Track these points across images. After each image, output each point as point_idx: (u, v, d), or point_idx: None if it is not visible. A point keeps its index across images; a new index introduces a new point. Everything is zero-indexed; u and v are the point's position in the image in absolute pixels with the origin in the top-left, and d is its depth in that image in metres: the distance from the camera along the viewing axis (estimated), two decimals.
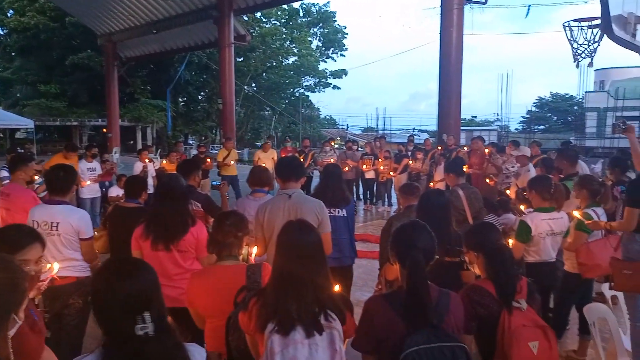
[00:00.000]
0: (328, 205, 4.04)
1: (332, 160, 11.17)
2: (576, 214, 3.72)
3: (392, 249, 1.97)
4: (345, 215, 4.09)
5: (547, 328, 2.04)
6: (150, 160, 9.35)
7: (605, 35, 4.94)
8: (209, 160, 10.40)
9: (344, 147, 12.77)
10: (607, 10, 4.69)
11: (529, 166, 6.94)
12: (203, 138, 41.31)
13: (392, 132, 40.25)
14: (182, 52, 26.98)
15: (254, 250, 2.68)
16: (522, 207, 4.50)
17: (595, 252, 3.56)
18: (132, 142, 35.58)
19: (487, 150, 8.70)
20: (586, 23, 5.50)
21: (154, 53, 25.26)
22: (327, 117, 57.48)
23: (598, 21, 5.07)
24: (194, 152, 23.89)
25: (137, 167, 8.77)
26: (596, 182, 4.03)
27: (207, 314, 2.25)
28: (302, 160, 10.87)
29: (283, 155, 11.35)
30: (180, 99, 39.13)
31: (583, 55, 5.41)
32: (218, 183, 4.61)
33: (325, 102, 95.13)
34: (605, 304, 3.56)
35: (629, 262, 3.05)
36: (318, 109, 51.24)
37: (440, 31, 13.76)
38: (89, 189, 8.17)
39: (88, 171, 8.18)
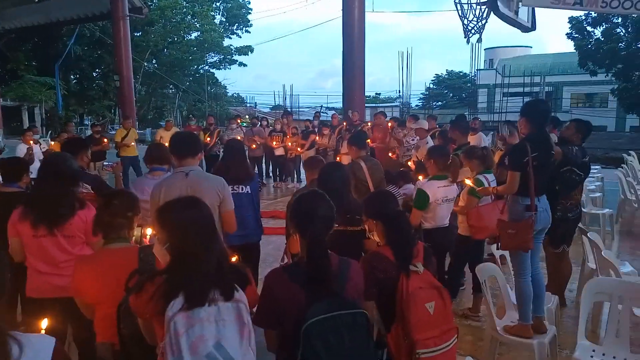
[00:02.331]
0: (231, 182, 3.93)
1: (239, 137, 10.96)
2: (468, 181, 3.95)
3: (291, 219, 1.94)
4: (250, 191, 3.99)
5: (442, 289, 2.14)
6: (36, 142, 8.55)
7: (492, 12, 5.26)
8: (105, 140, 9.71)
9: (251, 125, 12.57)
10: None
11: (427, 138, 7.28)
12: (100, 118, 38.58)
13: (300, 109, 40.37)
14: (71, 24, 24.88)
15: (149, 231, 2.52)
16: (420, 178, 4.71)
17: (484, 215, 3.82)
18: (17, 123, 32.30)
19: (389, 125, 9.00)
20: (475, 0, 5.79)
21: (37, 25, 22.95)
22: (234, 94, 56.25)
23: None
24: (90, 132, 22.25)
25: (21, 150, 7.96)
26: (479, 149, 4.33)
27: (96, 301, 2.08)
28: (207, 138, 10.55)
29: None
30: (72, 76, 36.09)
31: (473, 31, 5.70)
32: (110, 163, 4.28)
33: (232, 79, 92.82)
34: (495, 263, 3.85)
35: (513, 223, 3.29)
36: (225, 87, 49.93)
37: (343, 8, 13.91)
38: None
39: None
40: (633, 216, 7.47)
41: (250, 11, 41.84)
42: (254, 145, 10.84)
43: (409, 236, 2.20)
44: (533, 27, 6.01)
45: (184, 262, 1.68)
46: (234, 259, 2.35)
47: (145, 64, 36.83)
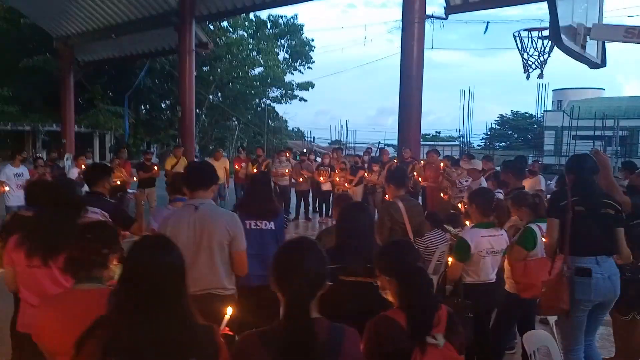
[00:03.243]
0: (254, 217, 3.69)
1: (286, 170, 10.83)
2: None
3: (271, 273, 1.60)
4: (274, 228, 3.71)
5: None
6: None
7: (555, 47, 4.80)
8: (155, 168, 9.86)
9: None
10: (556, 20, 4.51)
11: (481, 180, 6.75)
12: (165, 146, 40.27)
13: (357, 145, 40.27)
14: (142, 58, 26.26)
15: None
16: (467, 224, 4.24)
17: (533, 270, 3.30)
18: (89, 149, 34.32)
19: (442, 164, 8.53)
20: (536, 33, 5.34)
21: (112, 58, 24.43)
22: (294, 129, 57.27)
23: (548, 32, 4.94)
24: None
25: (73, 173, 8.18)
26: (530, 195, 3.82)
27: (57, 350, 1.80)
28: (254, 169, 10.49)
29: (235, 165, 10.94)
30: (142, 107, 38.10)
31: (533, 66, 5.24)
32: (134, 191, 4.15)
33: (292, 114, 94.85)
34: (549, 329, 3.30)
35: (548, 280, 2.80)
36: (285, 121, 51.01)
37: (401, 44, 13.71)
38: (16, 196, 7.51)
39: (15, 177, 7.53)
40: None
41: (313, 48, 42.80)
42: (301, 179, 10.63)
43: (429, 300, 1.80)
44: (603, 64, 5.45)
45: (124, 314, 1.38)
46: (228, 310, 2.03)
47: (211, 97, 38.31)
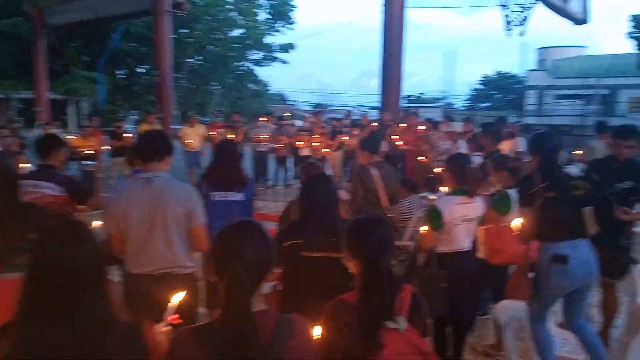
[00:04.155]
0: (221, 188, 3.51)
1: (264, 136, 10.58)
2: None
3: (210, 257, 1.43)
4: (243, 199, 3.54)
5: (431, 355, 1.58)
6: None
7: (537, 1, 4.59)
8: (126, 136, 9.53)
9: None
10: None
11: (460, 143, 6.62)
12: (145, 113, 39.35)
13: (340, 108, 39.85)
14: (117, 20, 25.26)
15: None
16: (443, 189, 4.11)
17: (505, 236, 3.21)
18: (64, 116, 33.35)
19: (421, 127, 8.37)
20: None
21: (86, 21, 23.42)
22: (276, 93, 56.40)
23: None
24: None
25: None
26: (510, 159, 3.70)
27: None
28: (232, 136, 10.21)
29: (212, 132, 10.64)
30: (119, 72, 36.97)
31: (515, 21, 5.02)
32: (92, 163, 3.84)
33: (275, 77, 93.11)
34: None
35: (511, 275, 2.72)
36: (266, 85, 50.13)
37: (383, 4, 13.28)
38: None
39: None
40: None
41: (293, 8, 41.63)
42: (280, 145, 10.42)
43: (391, 281, 1.65)
44: (586, 19, 5.25)
45: (31, 313, 1.22)
46: (175, 296, 1.85)
47: (190, 60, 37.29)
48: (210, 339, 1.31)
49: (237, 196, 3.54)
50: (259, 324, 1.30)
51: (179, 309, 1.93)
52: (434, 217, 3.06)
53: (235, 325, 1.28)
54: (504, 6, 4.95)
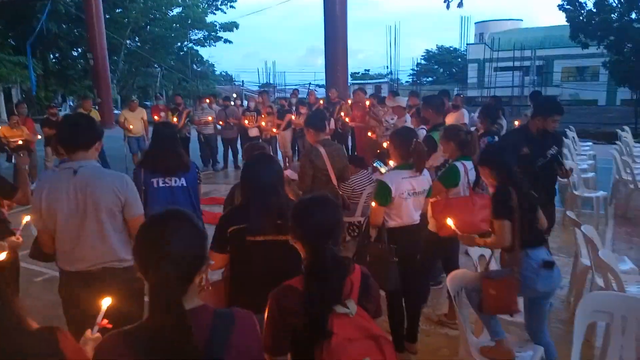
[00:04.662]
0: (162, 174, 3.33)
1: (209, 118, 10.28)
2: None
3: (134, 253, 1.30)
4: (185, 184, 3.37)
5: (382, 338, 1.53)
6: None
7: None
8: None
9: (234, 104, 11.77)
10: None
11: (406, 117, 6.65)
12: (81, 98, 37.38)
13: (287, 87, 39.43)
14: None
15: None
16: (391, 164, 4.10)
17: (453, 208, 3.22)
18: None
19: (367, 103, 8.35)
20: None
21: (7, 0, 21.81)
22: (222, 73, 55.05)
23: None
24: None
25: None
26: (463, 131, 3.69)
27: None
28: (175, 119, 9.85)
29: (154, 116, 10.22)
30: (51, 56, 34.81)
31: None
32: (19, 154, 3.51)
33: (219, 57, 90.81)
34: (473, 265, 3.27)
35: (494, 281, 2.68)
36: (212, 65, 48.81)
37: None
38: None
39: None
40: (629, 198, 6.90)
41: None
42: (221, 123, 10.18)
43: (337, 265, 1.57)
44: None
45: None
46: (105, 301, 1.70)
47: (127, 41, 35.62)
48: (139, 343, 1.18)
49: (180, 181, 3.36)
50: (194, 324, 1.18)
51: (118, 311, 1.79)
52: (382, 192, 3.02)
53: (165, 326, 1.15)
54: None
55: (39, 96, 30.71)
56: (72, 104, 35.18)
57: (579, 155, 8.68)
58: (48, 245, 2.40)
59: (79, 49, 36.34)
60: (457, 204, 3.27)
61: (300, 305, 1.52)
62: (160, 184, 3.32)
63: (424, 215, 3.55)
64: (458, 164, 3.49)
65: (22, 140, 8.09)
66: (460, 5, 4.97)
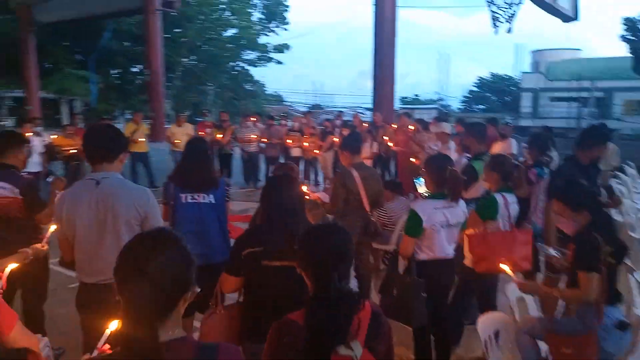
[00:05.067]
0: (191, 190, 3.31)
1: (253, 136, 10.38)
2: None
3: (114, 272, 1.21)
4: (213, 201, 3.33)
5: None
6: (38, 134, 8.19)
7: None
8: None
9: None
10: None
11: (450, 144, 6.43)
12: (138, 112, 38.97)
13: (335, 109, 39.70)
14: (106, 18, 25.05)
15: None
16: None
17: (491, 243, 3.00)
18: (58, 116, 32.99)
19: (411, 128, 8.18)
20: None
21: (75, 19, 23.21)
22: (273, 93, 56.25)
23: None
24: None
25: None
26: (509, 163, 3.48)
27: None
28: (220, 135, 10.02)
29: (200, 132, 10.42)
30: (112, 71, 36.67)
31: (501, 19, 4.84)
32: (55, 176, 3.58)
33: (272, 78, 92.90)
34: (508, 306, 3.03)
35: (568, 337, 2.45)
36: (263, 85, 49.99)
37: (373, 4, 13.13)
38: None
39: None
40: None
41: (287, 9, 41.46)
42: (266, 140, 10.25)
43: (343, 302, 1.43)
44: (575, 17, 5.10)
45: None
46: (110, 325, 1.63)
47: (184, 59, 37.08)
48: None
49: (208, 198, 3.33)
50: (172, 357, 1.08)
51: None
52: (413, 222, 2.86)
53: (139, 357, 1.06)
54: (490, 2, 4.77)
55: (99, 108, 32.25)
56: (128, 116, 36.79)
57: (638, 194, 8.13)
58: (68, 254, 2.40)
59: (138, 66, 38.14)
60: (496, 239, 3.06)
61: (300, 340, 1.39)
62: (189, 200, 3.29)
63: (460, 248, 3.35)
64: (497, 196, 3.27)
65: (74, 149, 8.42)
66: (509, 31, 4.81)
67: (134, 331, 1.08)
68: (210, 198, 3.33)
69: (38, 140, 8.04)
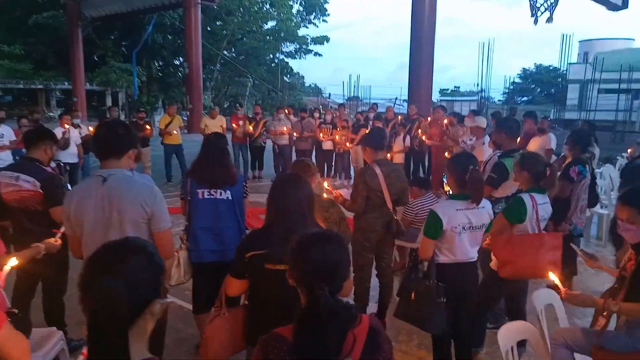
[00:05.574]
0: (207, 185, 3.27)
1: (285, 129, 10.34)
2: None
3: (78, 281, 1.14)
4: (231, 197, 3.27)
5: None
6: (77, 126, 8.41)
7: None
8: (148, 127, 9.48)
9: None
10: None
11: (485, 139, 6.17)
12: (181, 105, 39.79)
13: (372, 101, 39.29)
14: (150, 12, 25.63)
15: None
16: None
17: (517, 246, 2.82)
18: (103, 107, 34.10)
19: (445, 121, 7.93)
20: None
21: (120, 13, 23.88)
22: (311, 85, 56.25)
23: None
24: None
25: (57, 133, 7.81)
26: (541, 162, 3.25)
27: None
28: (251, 128, 10.03)
29: (232, 124, 10.48)
30: (154, 63, 37.52)
31: (542, 8, 4.55)
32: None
33: (310, 70, 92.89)
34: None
35: (620, 354, 2.28)
36: (302, 77, 50.05)
37: None
38: None
39: None
40: None
41: (327, 1, 41.19)
42: (296, 134, 10.19)
43: (334, 318, 1.32)
44: (624, 5, 4.73)
45: None
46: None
47: (224, 52, 37.52)
48: None
49: (225, 194, 3.27)
50: None
51: None
52: (432, 223, 2.71)
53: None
54: None
55: (141, 100, 33.11)
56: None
57: None
58: (77, 250, 2.39)
59: (180, 58, 38.86)
60: (522, 242, 2.87)
61: (287, 356, 1.30)
62: (206, 196, 3.25)
63: (487, 253, 3.18)
64: (525, 197, 3.06)
65: None
66: (549, 20, 4.50)
67: (99, 337, 1.03)
68: (228, 194, 3.28)
69: (77, 132, 8.25)
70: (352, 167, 10.28)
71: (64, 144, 7.67)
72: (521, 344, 2.70)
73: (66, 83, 30.87)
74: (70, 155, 7.93)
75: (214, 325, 2.23)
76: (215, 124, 10.21)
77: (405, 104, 27.48)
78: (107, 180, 2.26)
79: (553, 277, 2.51)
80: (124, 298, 1.05)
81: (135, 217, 2.26)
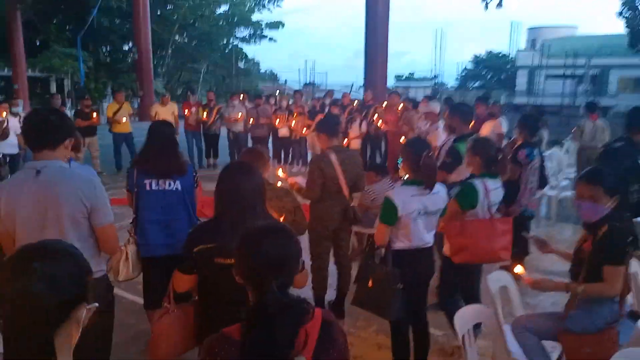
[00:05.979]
0: (155, 176, 3.11)
1: (239, 115, 10.13)
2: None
3: None
4: (180, 188, 3.13)
5: None
6: (17, 115, 7.91)
7: None
8: (94, 115, 9.06)
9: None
10: None
11: (439, 124, 6.24)
12: (130, 91, 38.44)
13: (329, 87, 39.24)
14: None
15: None
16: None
17: (470, 232, 2.84)
18: (47, 95, 32.43)
19: (400, 107, 7.97)
20: None
21: None
22: (266, 71, 55.57)
23: None
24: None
25: None
26: (493, 147, 3.29)
27: None
28: (205, 115, 9.77)
29: (184, 111, 10.17)
30: (102, 49, 35.97)
31: None
32: None
33: (266, 56, 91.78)
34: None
35: (587, 335, 2.30)
36: (257, 63, 49.30)
37: None
38: None
39: None
40: None
41: None
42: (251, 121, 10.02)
43: (283, 314, 1.25)
44: None
45: None
46: None
47: (176, 38, 36.43)
48: None
49: (174, 185, 3.13)
50: None
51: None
52: (387, 210, 2.69)
53: None
54: None
55: (88, 87, 31.69)
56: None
57: None
58: (10, 249, 2.21)
59: (130, 43, 37.40)
60: (475, 228, 2.90)
61: (233, 357, 1.22)
62: (153, 187, 3.10)
63: (440, 236, 3.19)
64: (477, 182, 3.09)
65: None
66: (499, 6, 4.55)
67: (20, 339, 0.93)
68: (177, 185, 3.13)
69: (16, 120, 7.76)
70: (309, 154, 10.20)
71: (2, 134, 7.22)
72: (477, 325, 2.73)
73: (6, 69, 29.10)
74: (9, 146, 7.47)
75: (162, 322, 2.12)
76: (167, 111, 9.87)
77: (362, 90, 27.65)
78: (40, 173, 2.09)
79: (519, 269, 2.54)
80: (45, 299, 0.95)
81: (73, 213, 2.10)
